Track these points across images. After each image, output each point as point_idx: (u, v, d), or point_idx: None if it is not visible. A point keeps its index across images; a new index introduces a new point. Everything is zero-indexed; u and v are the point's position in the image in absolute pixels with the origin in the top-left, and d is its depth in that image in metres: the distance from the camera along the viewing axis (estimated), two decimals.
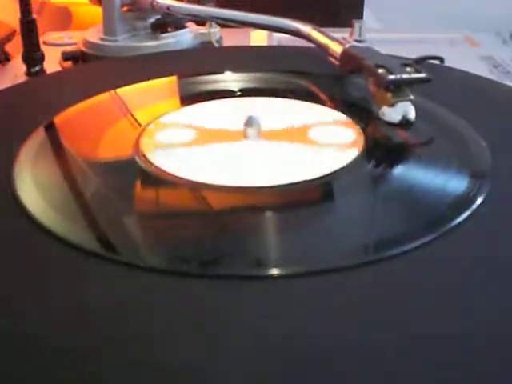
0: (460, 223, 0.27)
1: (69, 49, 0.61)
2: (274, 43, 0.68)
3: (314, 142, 0.35)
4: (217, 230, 0.28)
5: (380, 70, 0.37)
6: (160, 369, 0.20)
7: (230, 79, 0.45)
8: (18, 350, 0.21)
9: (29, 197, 0.30)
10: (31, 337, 0.22)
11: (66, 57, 0.60)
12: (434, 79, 0.36)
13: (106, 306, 0.23)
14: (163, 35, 0.61)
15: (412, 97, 0.36)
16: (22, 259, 0.26)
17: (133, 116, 0.39)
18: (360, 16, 0.87)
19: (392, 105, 0.36)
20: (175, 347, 0.21)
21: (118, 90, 0.43)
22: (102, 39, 0.60)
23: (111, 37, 0.60)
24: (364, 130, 0.36)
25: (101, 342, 0.22)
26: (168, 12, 0.59)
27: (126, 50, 0.59)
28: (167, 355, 0.21)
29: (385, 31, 0.75)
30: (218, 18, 0.57)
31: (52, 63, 0.60)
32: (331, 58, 0.45)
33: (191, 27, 0.63)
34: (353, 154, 0.33)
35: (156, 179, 0.32)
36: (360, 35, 0.68)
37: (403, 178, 0.32)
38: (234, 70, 0.46)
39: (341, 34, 0.50)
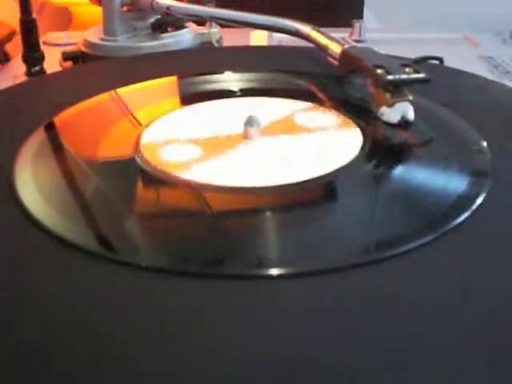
0: (460, 223, 0.27)
1: (69, 49, 0.61)
2: (274, 43, 0.68)
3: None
4: (217, 230, 0.28)
5: (379, 71, 0.37)
6: (159, 368, 0.20)
7: (230, 79, 0.45)
8: (17, 350, 0.21)
9: (29, 197, 0.30)
10: (31, 337, 0.22)
11: (66, 57, 0.60)
12: (434, 79, 0.36)
13: (105, 306, 0.23)
14: (163, 35, 0.61)
15: (411, 97, 0.36)
16: (22, 259, 0.26)
17: (133, 116, 0.39)
18: (360, 16, 0.87)
19: (391, 105, 0.36)
20: (175, 347, 0.21)
21: (118, 90, 0.43)
22: (101, 39, 0.60)
23: (111, 37, 0.60)
24: (363, 130, 0.36)
25: (100, 342, 0.22)
26: (168, 12, 0.59)
27: (126, 50, 0.59)
28: (167, 355, 0.21)
29: (385, 31, 0.75)
30: (218, 18, 0.57)
31: (52, 63, 0.60)
32: (331, 58, 0.45)
33: (191, 27, 0.63)
34: (352, 154, 0.33)
35: (155, 179, 0.32)
36: (360, 35, 0.68)
37: (402, 178, 0.32)
38: (234, 69, 0.46)
39: (341, 33, 0.50)
